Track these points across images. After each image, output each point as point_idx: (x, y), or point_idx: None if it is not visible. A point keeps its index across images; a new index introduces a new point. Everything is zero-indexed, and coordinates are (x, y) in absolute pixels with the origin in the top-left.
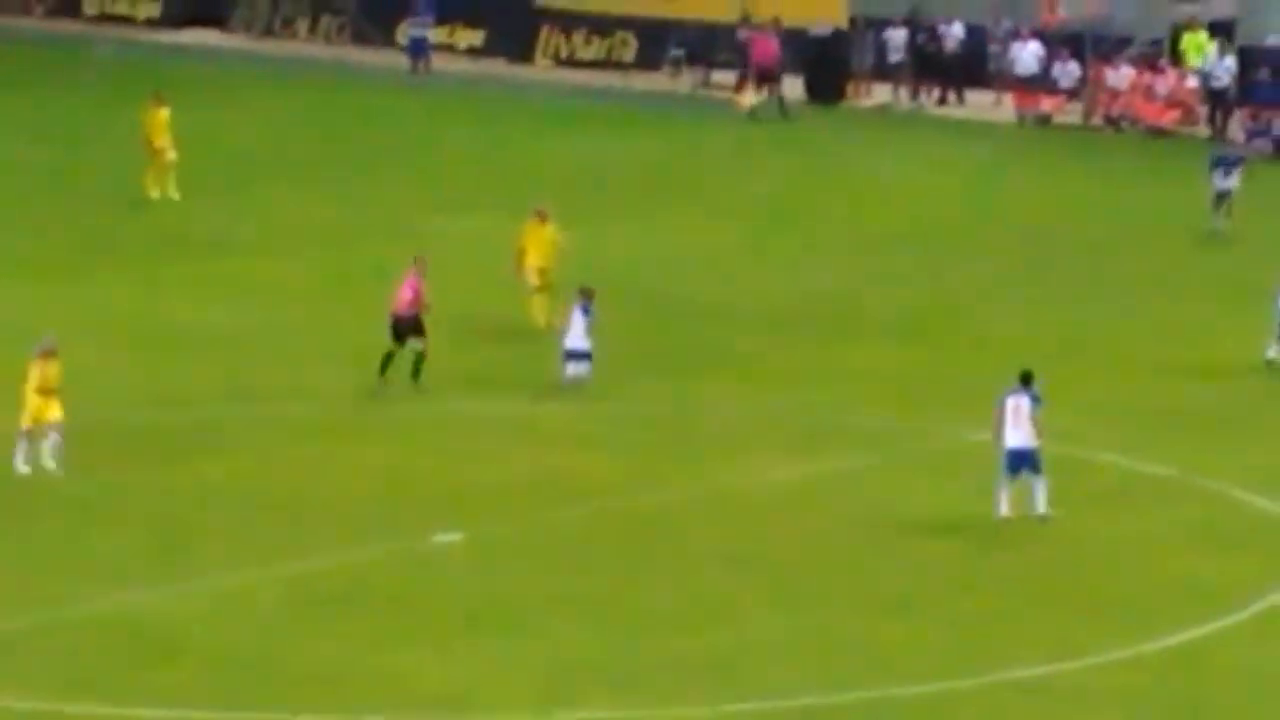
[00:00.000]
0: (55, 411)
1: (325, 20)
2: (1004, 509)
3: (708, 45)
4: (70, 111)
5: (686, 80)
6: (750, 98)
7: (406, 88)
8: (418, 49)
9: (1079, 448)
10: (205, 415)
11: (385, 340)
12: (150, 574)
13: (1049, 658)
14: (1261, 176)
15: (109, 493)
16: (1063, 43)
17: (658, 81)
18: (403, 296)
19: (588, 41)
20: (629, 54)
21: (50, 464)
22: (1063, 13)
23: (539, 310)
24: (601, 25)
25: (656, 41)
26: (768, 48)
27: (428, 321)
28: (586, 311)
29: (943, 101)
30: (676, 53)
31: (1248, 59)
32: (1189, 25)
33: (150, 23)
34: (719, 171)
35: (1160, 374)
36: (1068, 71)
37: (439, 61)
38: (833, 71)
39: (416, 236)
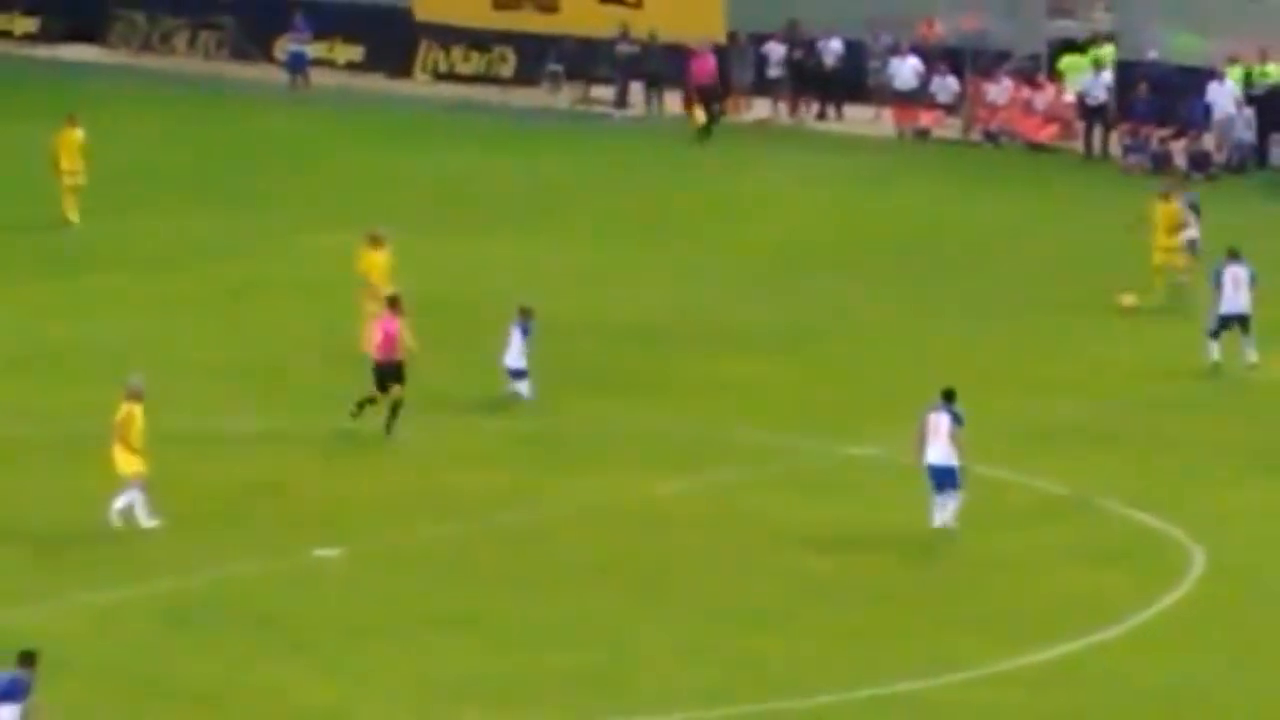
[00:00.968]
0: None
1: (204, 35)
2: (936, 522)
3: (587, 60)
4: None
5: (565, 95)
6: (701, 116)
7: (285, 103)
8: (297, 64)
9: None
10: (78, 429)
11: (367, 384)
12: (27, 590)
13: (926, 672)
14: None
15: None
16: (941, 58)
17: (536, 97)
18: (374, 340)
19: (466, 57)
20: (508, 69)
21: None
22: (941, 28)
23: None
24: (480, 40)
25: (535, 57)
26: (705, 65)
27: (409, 364)
28: (525, 331)
29: (821, 116)
30: (555, 68)
31: (1126, 75)
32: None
33: (28, 37)
34: (597, 187)
35: (1038, 389)
36: (946, 86)
37: (318, 76)
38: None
39: (294, 252)
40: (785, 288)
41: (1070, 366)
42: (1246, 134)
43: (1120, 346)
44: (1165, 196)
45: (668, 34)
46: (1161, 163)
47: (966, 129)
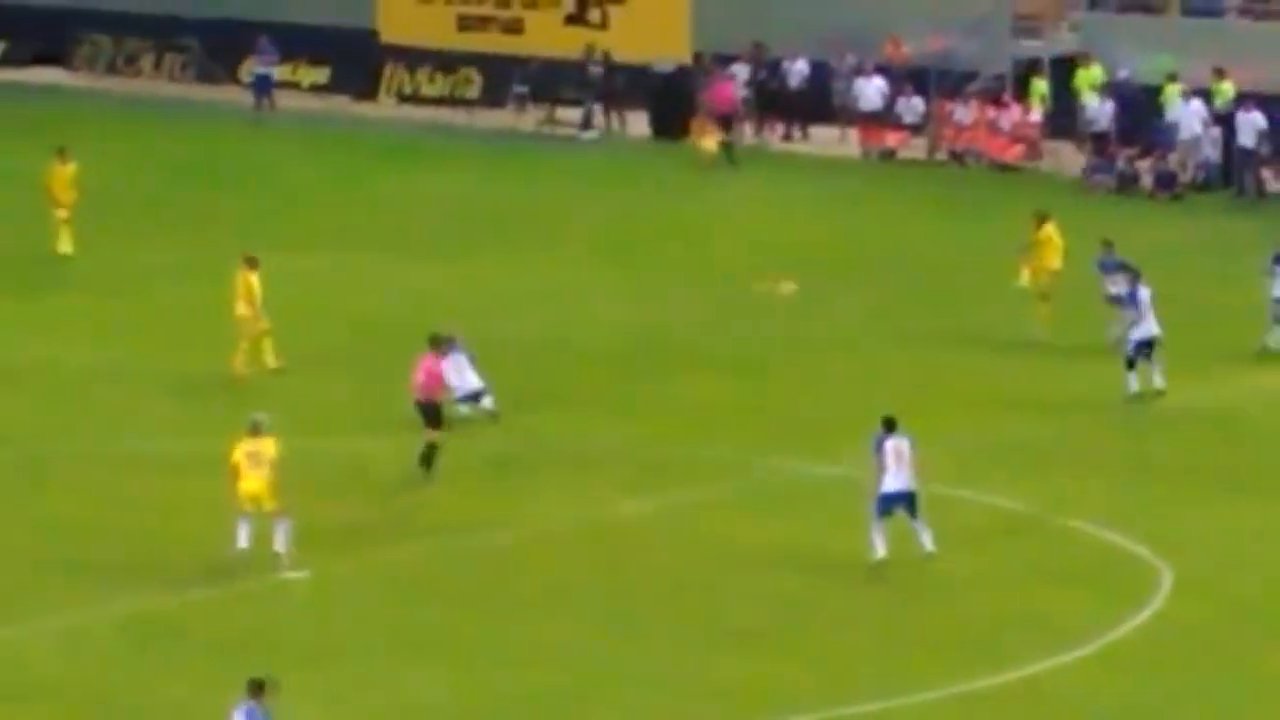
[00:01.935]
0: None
1: (169, 58)
2: (880, 551)
3: (553, 82)
4: None
5: (531, 117)
6: (712, 143)
7: (251, 125)
8: (262, 86)
9: (924, 484)
10: (35, 451)
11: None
12: None
13: (888, 692)
14: (1106, 211)
15: None
16: (907, 78)
17: (502, 118)
18: (415, 380)
19: (432, 78)
20: (474, 90)
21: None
22: (906, 49)
23: (268, 352)
24: (446, 62)
25: (501, 78)
26: (725, 93)
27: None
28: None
29: (787, 138)
30: (521, 89)
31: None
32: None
33: None
34: (561, 208)
35: (1002, 409)
36: (912, 107)
37: (283, 99)
38: (676, 108)
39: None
40: (749, 308)
41: (1034, 386)
42: (1213, 153)
43: (1084, 366)
44: (1040, 220)
45: (634, 54)
46: (1128, 182)
47: (932, 149)
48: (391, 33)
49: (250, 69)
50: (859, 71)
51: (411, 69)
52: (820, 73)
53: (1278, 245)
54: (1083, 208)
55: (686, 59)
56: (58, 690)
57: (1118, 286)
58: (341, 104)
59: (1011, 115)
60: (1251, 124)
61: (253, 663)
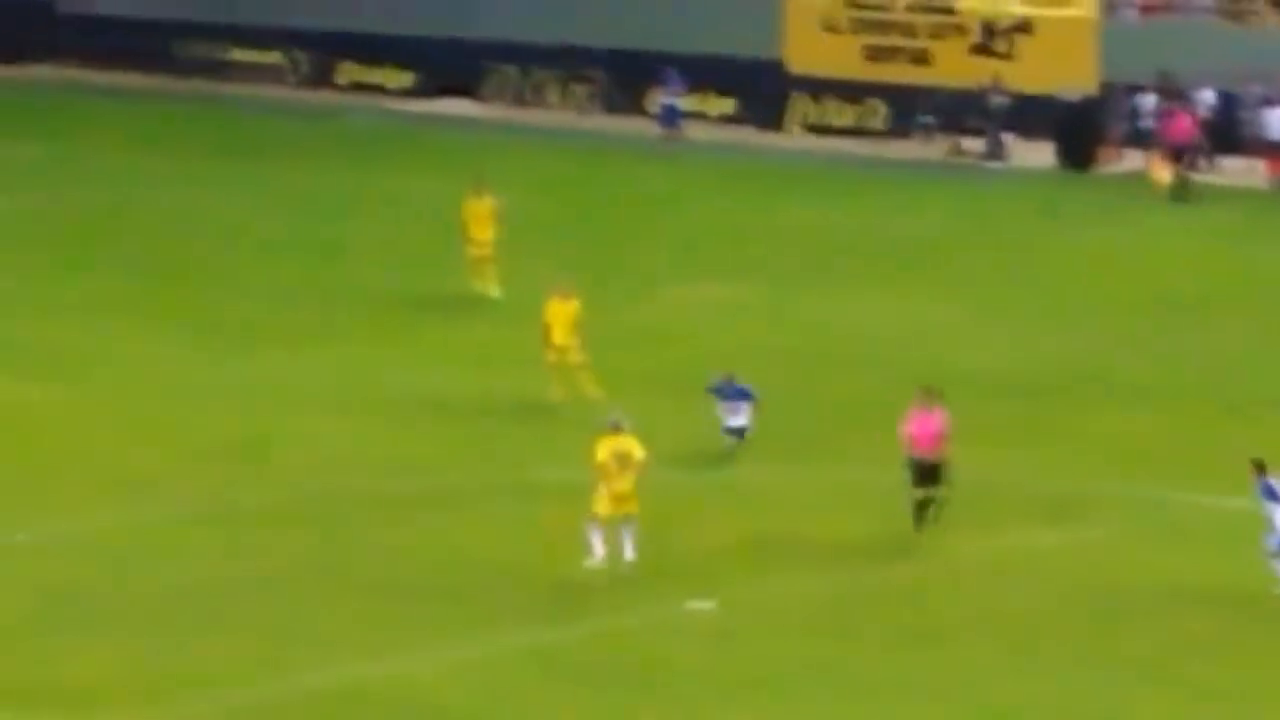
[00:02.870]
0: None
1: (576, 88)
2: None
3: (959, 112)
4: (325, 180)
5: (937, 147)
6: (1166, 174)
7: (658, 155)
8: (669, 117)
9: None
10: (440, 481)
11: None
12: (402, 642)
13: None
14: None
15: (334, 558)
16: None
17: (908, 149)
18: (908, 434)
19: (839, 109)
20: (880, 121)
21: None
22: None
23: (557, 385)
24: (852, 92)
25: (907, 108)
26: (1183, 124)
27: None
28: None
29: (1193, 167)
30: (927, 120)
31: None
32: None
33: (403, 92)
34: (969, 239)
35: None
36: None
37: (691, 129)
38: (1084, 137)
39: (664, 302)
40: (1157, 339)
41: None
42: None
43: None
44: None
45: (1041, 85)
46: None
47: None
48: (798, 64)
49: (657, 99)
50: (1266, 101)
51: (818, 99)
52: (1228, 102)
53: None
54: None
55: (1093, 89)
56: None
57: None
58: (748, 134)
59: None
60: None
61: (659, 695)
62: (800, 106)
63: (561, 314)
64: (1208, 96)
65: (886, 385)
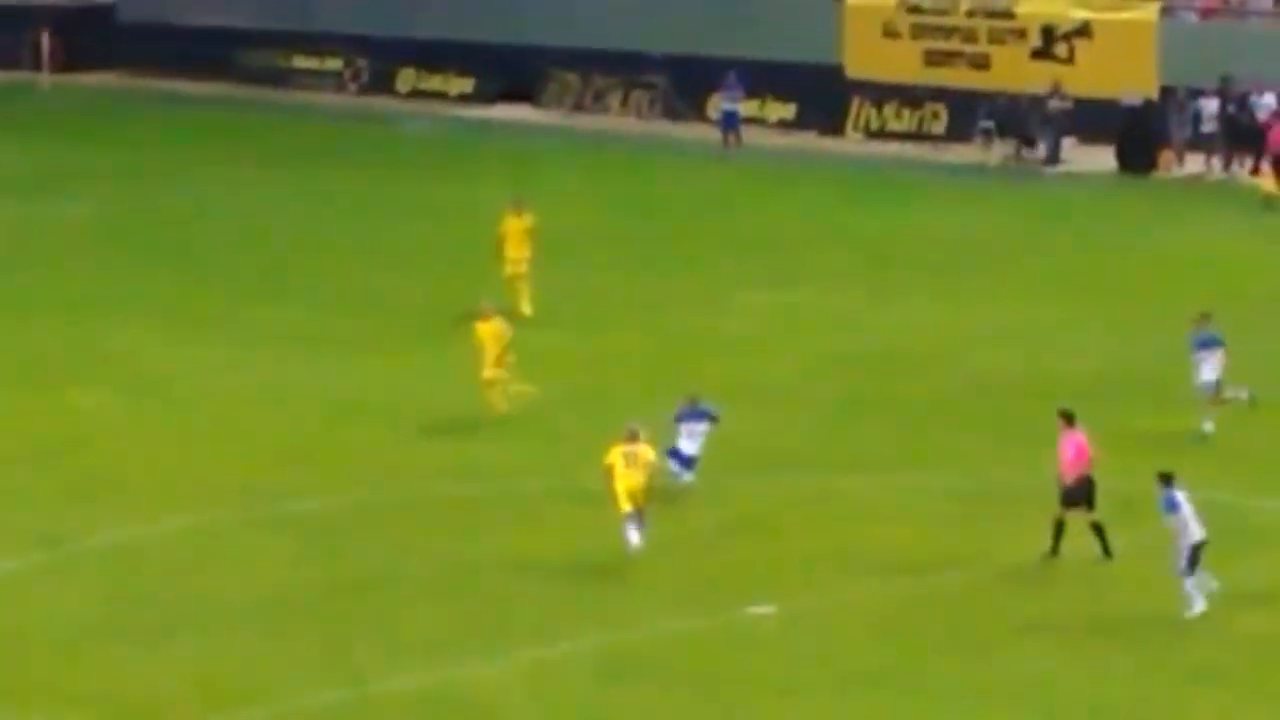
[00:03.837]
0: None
1: (636, 94)
2: None
3: (1019, 117)
4: (384, 188)
5: (997, 152)
6: (1272, 185)
7: (718, 161)
8: (729, 122)
9: None
10: (502, 487)
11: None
12: (466, 646)
13: None
14: None
15: (399, 564)
16: None
17: (968, 153)
18: (1064, 458)
19: (898, 114)
20: (939, 126)
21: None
22: None
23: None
24: (912, 97)
25: (967, 113)
26: None
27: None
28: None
29: (1255, 172)
30: (987, 124)
31: None
32: None
33: (463, 98)
34: (1029, 243)
35: None
36: None
37: (750, 135)
38: (1144, 141)
39: (728, 309)
40: (1233, 344)
41: None
42: None
43: None
44: None
45: (1101, 89)
46: None
47: None
48: (857, 69)
49: (717, 105)
50: None
51: (878, 104)
52: None
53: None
54: None
55: (1153, 93)
56: None
57: None
58: (808, 139)
59: None
60: None
61: (721, 698)
62: (860, 112)
63: (488, 334)
64: (1269, 100)
65: (960, 391)
